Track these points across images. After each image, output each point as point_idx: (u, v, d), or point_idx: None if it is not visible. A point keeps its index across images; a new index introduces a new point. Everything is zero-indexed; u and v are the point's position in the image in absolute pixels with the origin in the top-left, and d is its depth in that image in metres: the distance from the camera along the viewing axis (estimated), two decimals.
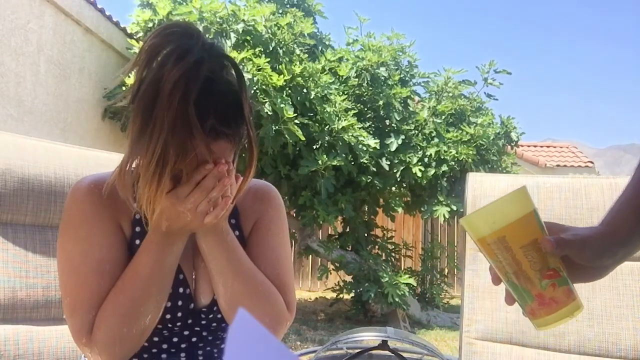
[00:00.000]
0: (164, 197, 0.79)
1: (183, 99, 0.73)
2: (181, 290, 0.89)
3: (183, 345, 0.92)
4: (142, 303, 0.83)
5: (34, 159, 1.22)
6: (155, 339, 0.89)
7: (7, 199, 1.16)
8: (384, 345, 1.40)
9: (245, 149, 0.85)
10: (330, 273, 5.48)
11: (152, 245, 0.84)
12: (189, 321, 0.91)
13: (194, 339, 0.93)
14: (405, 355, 1.43)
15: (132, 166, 0.82)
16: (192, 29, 0.79)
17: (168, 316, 0.88)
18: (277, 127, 4.44)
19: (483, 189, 1.50)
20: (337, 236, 5.80)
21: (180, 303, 0.89)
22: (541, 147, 11.86)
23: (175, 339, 0.91)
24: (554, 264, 0.65)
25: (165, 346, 0.91)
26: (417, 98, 5.82)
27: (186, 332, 0.92)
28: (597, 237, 0.68)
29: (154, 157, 0.74)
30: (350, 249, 5.61)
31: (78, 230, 0.86)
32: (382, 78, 5.40)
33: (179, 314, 0.89)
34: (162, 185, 0.76)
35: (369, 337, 1.46)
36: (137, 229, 0.89)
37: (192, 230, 0.86)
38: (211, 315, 0.92)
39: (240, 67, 4.57)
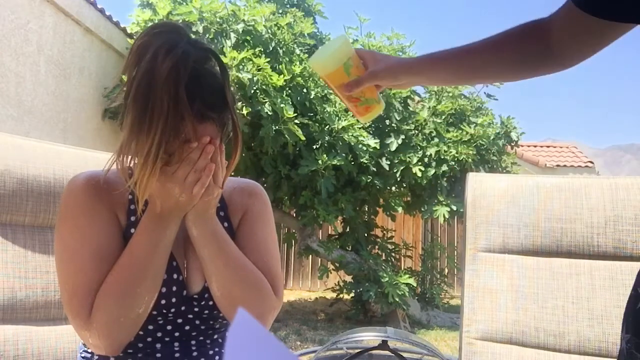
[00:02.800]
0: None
1: (176, 84, 0.80)
2: (175, 276, 0.93)
3: (177, 334, 0.94)
4: (138, 284, 0.86)
5: (33, 159, 1.22)
6: (150, 327, 0.92)
7: (6, 199, 1.16)
8: (384, 345, 1.40)
9: (231, 140, 0.92)
10: (330, 273, 5.48)
11: (146, 229, 0.88)
12: (182, 308, 0.93)
13: (187, 327, 0.95)
14: (405, 355, 1.43)
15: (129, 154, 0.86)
16: (178, 27, 0.87)
17: (163, 301, 0.91)
18: (277, 127, 4.44)
19: (483, 188, 1.50)
20: (337, 236, 5.80)
21: (174, 289, 0.92)
22: (541, 147, 11.86)
23: (169, 327, 0.93)
24: (356, 94, 0.97)
25: (159, 334, 0.93)
26: (417, 98, 5.82)
27: (180, 320, 0.94)
28: (388, 68, 0.92)
29: (154, 140, 0.80)
30: (350, 249, 5.61)
31: (75, 219, 0.90)
32: None
33: (173, 300, 0.92)
34: (156, 166, 0.82)
35: (369, 337, 1.46)
36: (132, 218, 0.93)
37: (184, 209, 0.89)
38: (203, 302, 0.94)
39: (240, 67, 4.58)
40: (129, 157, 0.85)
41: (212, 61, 0.89)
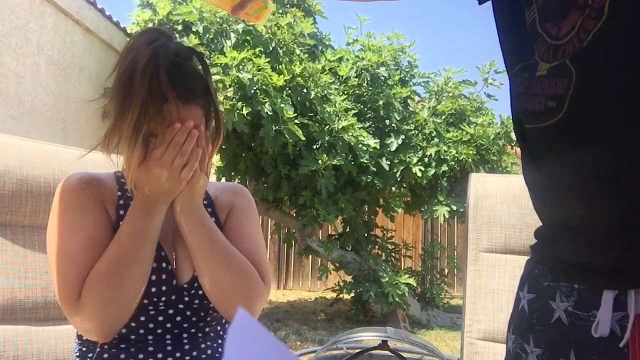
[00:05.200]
0: (141, 166, 0.88)
1: (156, 67, 0.85)
2: (164, 265, 0.95)
3: (168, 325, 0.95)
4: (125, 270, 0.88)
5: (33, 160, 1.22)
6: (142, 318, 0.93)
7: (5, 200, 1.15)
8: (384, 345, 1.40)
9: (215, 129, 0.98)
10: (330, 273, 5.47)
11: (134, 216, 0.91)
12: (173, 297, 0.95)
13: (178, 318, 0.95)
14: (405, 355, 1.43)
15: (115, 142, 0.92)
16: (163, 29, 0.95)
17: (153, 289, 0.92)
18: (277, 127, 4.44)
19: (485, 189, 1.49)
20: (337, 236, 5.80)
21: (164, 277, 0.94)
22: None
23: (160, 318, 0.94)
24: (246, 10, 1.01)
25: (151, 325, 0.94)
26: (417, 98, 5.81)
27: (171, 311, 0.95)
28: None
29: (132, 118, 0.85)
30: (350, 249, 5.60)
31: (67, 212, 0.93)
32: (382, 78, 5.40)
33: (163, 288, 0.93)
34: (138, 144, 0.86)
35: (369, 337, 1.46)
36: (121, 212, 0.96)
37: (171, 195, 0.91)
38: (193, 291, 0.96)
39: (240, 66, 4.57)
40: (114, 142, 0.90)
41: (193, 59, 0.94)
